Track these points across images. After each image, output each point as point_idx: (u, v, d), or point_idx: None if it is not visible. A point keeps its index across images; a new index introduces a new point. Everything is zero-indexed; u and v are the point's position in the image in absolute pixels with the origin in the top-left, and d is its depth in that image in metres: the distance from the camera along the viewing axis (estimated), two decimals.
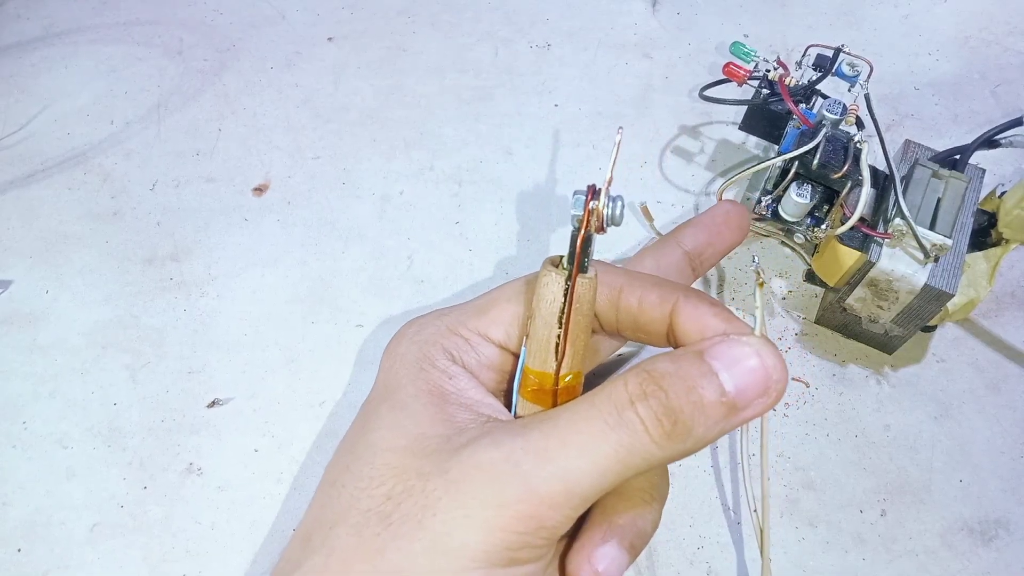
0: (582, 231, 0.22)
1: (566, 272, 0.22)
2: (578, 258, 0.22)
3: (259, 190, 0.46)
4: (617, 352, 0.31)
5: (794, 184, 0.37)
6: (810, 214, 0.39)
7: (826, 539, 0.35)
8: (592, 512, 0.24)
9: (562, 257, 0.23)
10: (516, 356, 0.25)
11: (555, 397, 0.23)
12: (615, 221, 0.22)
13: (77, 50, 0.51)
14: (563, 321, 0.22)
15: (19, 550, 0.34)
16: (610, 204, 0.22)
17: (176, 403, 0.38)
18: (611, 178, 0.22)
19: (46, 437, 0.37)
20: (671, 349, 0.23)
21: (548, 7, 0.55)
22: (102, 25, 0.53)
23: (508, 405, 0.25)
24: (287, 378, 0.39)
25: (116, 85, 0.50)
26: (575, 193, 0.22)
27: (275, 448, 0.37)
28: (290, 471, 0.36)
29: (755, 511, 0.34)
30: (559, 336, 0.23)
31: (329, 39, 0.53)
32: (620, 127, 0.22)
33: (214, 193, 0.45)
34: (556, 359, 0.23)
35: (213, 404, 0.38)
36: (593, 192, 0.22)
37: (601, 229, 0.22)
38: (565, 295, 0.22)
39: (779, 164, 0.38)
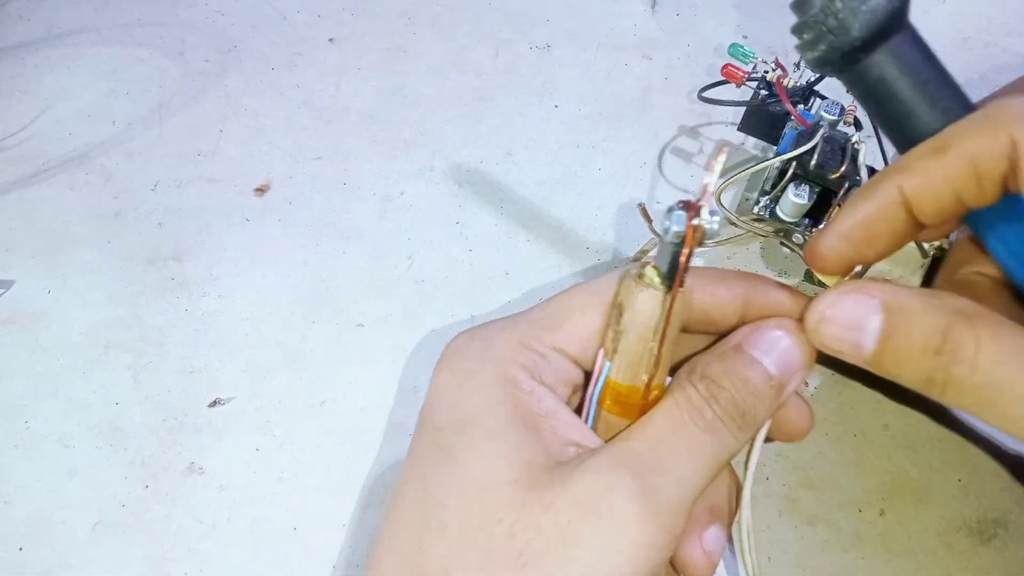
0: (687, 249, 0.21)
1: (663, 288, 0.22)
2: (681, 276, 0.22)
3: (260, 190, 0.46)
4: None
5: (792, 185, 0.37)
6: (808, 214, 0.39)
7: (825, 538, 0.35)
8: None
9: (644, 265, 0.23)
10: (588, 371, 0.24)
11: (642, 410, 0.23)
12: (715, 235, 0.22)
13: (79, 51, 0.52)
14: (659, 337, 0.22)
15: (21, 549, 0.34)
16: (711, 219, 0.21)
17: (178, 403, 0.38)
18: (709, 192, 0.21)
19: (48, 436, 0.37)
20: (707, 349, 0.25)
21: (548, 8, 0.55)
22: (104, 26, 0.53)
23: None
24: (288, 378, 0.39)
25: (118, 86, 0.50)
26: (670, 209, 0.21)
27: (276, 447, 0.37)
28: (291, 470, 0.37)
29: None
30: (652, 351, 0.22)
31: (330, 40, 0.53)
32: (726, 145, 0.23)
33: (216, 193, 0.45)
34: (647, 373, 0.23)
35: (215, 404, 0.38)
36: (693, 208, 0.21)
37: (701, 243, 0.21)
38: (662, 311, 0.22)
39: (777, 165, 0.38)
